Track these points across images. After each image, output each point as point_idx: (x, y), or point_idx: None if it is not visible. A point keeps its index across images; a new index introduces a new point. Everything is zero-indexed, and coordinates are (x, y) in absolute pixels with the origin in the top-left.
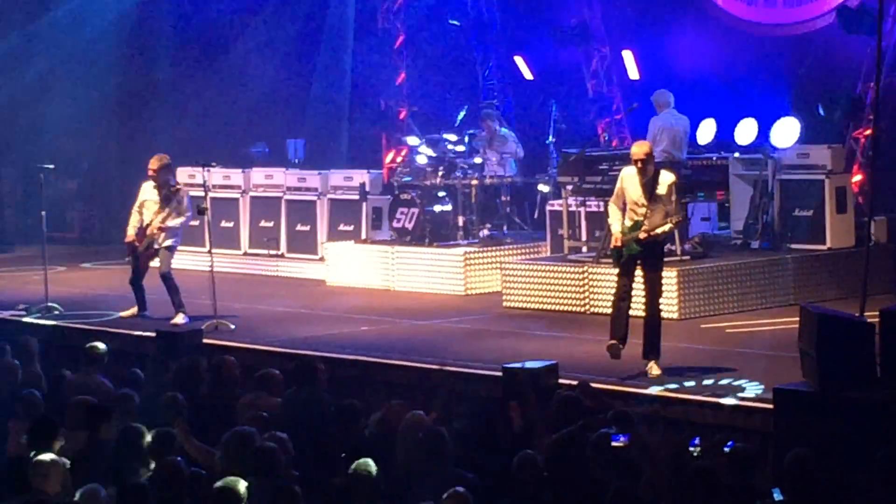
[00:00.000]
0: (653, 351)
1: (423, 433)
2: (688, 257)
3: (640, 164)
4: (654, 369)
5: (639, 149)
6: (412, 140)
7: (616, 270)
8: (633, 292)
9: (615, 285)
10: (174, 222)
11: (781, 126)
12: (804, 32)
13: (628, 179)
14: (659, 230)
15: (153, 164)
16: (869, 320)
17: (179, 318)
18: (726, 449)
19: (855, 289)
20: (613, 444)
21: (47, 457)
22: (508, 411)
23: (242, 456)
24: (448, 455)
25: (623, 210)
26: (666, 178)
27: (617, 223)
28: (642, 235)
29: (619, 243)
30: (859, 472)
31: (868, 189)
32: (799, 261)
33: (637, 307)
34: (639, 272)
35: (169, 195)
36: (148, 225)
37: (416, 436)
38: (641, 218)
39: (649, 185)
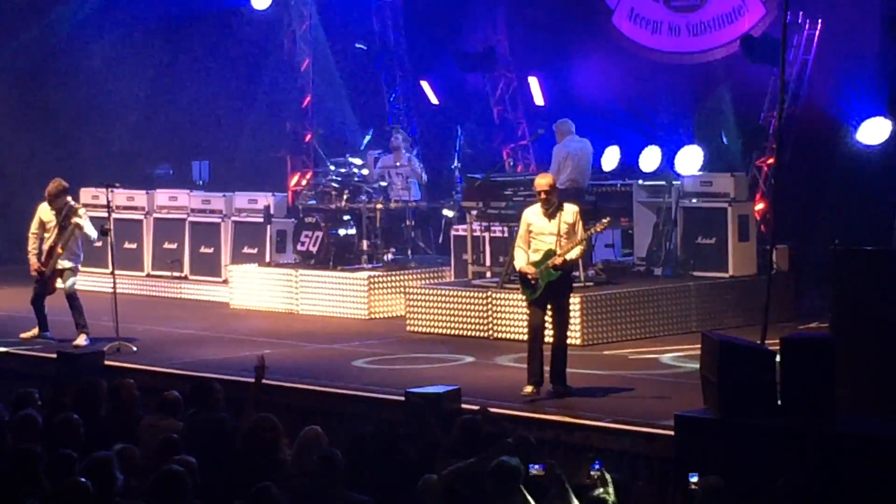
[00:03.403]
0: (559, 378)
1: (318, 455)
2: (591, 284)
3: (544, 196)
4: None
5: (543, 180)
6: None
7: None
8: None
9: (528, 322)
10: (75, 243)
11: (685, 154)
12: (708, 61)
13: (532, 217)
14: (573, 253)
15: (49, 188)
16: (770, 348)
17: (81, 340)
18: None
19: (756, 316)
20: (531, 472)
21: None
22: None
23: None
24: (339, 478)
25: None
26: (571, 208)
27: (522, 260)
28: (558, 261)
29: (534, 275)
30: (760, 499)
31: (770, 217)
32: (701, 288)
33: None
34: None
35: (67, 217)
36: (50, 248)
37: (310, 457)
38: (552, 251)
39: (556, 218)
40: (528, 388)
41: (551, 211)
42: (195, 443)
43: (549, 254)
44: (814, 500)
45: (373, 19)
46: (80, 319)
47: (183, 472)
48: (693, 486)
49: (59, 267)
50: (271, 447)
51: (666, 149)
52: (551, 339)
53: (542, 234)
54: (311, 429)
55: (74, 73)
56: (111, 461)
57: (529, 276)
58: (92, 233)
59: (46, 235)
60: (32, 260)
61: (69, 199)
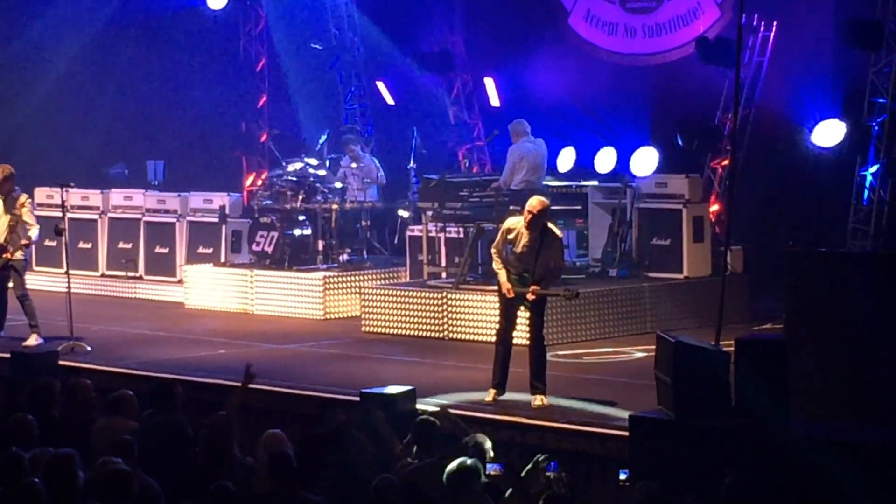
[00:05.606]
0: (544, 384)
1: (271, 456)
2: None
3: (532, 217)
4: (542, 400)
5: (537, 202)
6: None
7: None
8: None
9: (498, 328)
10: (31, 234)
11: (640, 155)
12: (664, 62)
13: (514, 234)
14: (548, 292)
15: None
16: (724, 349)
17: (32, 340)
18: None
19: (711, 317)
20: (489, 472)
21: None
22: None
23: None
24: (294, 478)
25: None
26: (556, 235)
27: (503, 273)
28: (530, 297)
29: (511, 295)
30: (713, 499)
31: (725, 219)
32: (656, 289)
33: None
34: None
35: (13, 206)
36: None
37: (264, 458)
38: (527, 273)
39: (538, 240)
40: (491, 394)
41: (535, 235)
42: (151, 444)
43: (525, 280)
44: (757, 500)
45: (329, 20)
46: (32, 320)
47: (130, 471)
48: (623, 483)
49: (12, 259)
50: (226, 446)
51: (621, 150)
52: (527, 342)
53: (519, 253)
54: (272, 432)
55: (26, 73)
56: (73, 459)
57: (506, 291)
58: (33, 229)
59: None
60: None
61: (17, 188)
